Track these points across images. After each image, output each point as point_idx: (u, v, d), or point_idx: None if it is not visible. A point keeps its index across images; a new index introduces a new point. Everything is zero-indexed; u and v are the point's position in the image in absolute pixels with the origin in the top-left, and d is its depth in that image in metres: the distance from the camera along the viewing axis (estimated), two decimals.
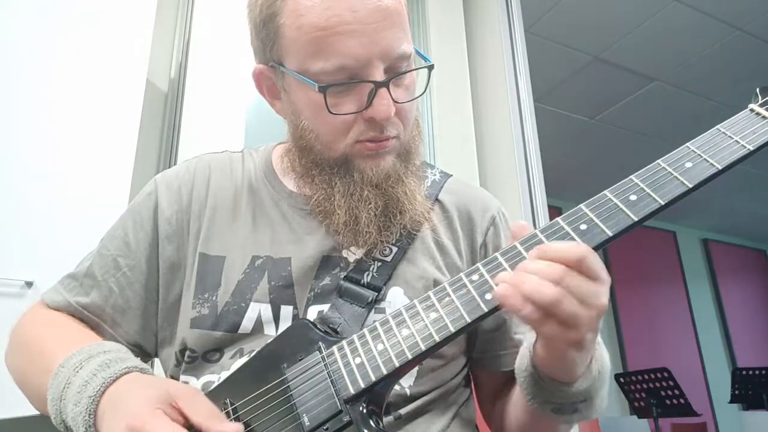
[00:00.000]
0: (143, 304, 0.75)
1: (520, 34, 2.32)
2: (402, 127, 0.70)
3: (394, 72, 0.67)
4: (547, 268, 0.50)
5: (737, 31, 3.23)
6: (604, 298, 0.51)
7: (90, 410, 0.56)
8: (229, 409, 0.58)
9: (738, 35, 3.26)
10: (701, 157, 0.56)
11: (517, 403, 0.72)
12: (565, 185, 4.77)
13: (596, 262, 0.51)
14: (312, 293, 0.70)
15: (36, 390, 0.65)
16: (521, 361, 0.63)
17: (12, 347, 0.74)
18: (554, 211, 2.02)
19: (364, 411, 0.55)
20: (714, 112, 4.00)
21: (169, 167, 1.84)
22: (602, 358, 0.62)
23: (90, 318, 0.74)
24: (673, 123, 4.16)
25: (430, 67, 0.71)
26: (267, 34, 0.69)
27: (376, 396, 0.57)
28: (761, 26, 3.20)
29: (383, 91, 0.65)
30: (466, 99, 2.27)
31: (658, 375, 3.71)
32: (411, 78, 0.71)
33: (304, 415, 0.55)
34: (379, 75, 0.65)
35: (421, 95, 0.73)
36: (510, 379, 0.76)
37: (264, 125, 1.74)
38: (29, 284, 1.25)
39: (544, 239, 0.55)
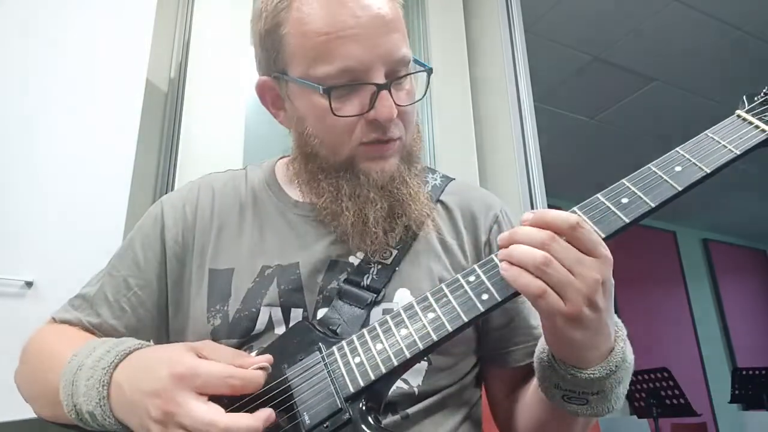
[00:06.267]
0: (155, 323, 0.76)
1: (520, 34, 2.32)
2: (404, 130, 0.72)
3: (395, 75, 0.69)
4: (535, 233, 0.53)
5: (737, 31, 3.23)
6: (595, 272, 0.51)
7: (104, 381, 0.56)
8: (231, 408, 0.59)
9: (738, 35, 3.26)
10: (690, 161, 0.59)
11: (528, 401, 0.73)
12: (565, 185, 4.76)
13: (589, 235, 0.52)
14: (321, 296, 0.72)
15: (45, 388, 0.65)
16: (539, 347, 0.64)
17: (22, 362, 0.74)
18: None
19: (364, 409, 0.57)
20: (714, 112, 3.97)
21: (169, 168, 1.84)
22: (624, 353, 0.60)
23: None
24: (673, 123, 4.16)
25: (429, 71, 0.73)
26: (272, 44, 0.71)
27: (375, 394, 0.59)
28: (761, 26, 3.20)
29: (385, 93, 0.67)
30: (466, 99, 2.27)
31: (658, 375, 3.72)
32: (411, 82, 0.73)
33: (305, 413, 0.57)
34: (380, 78, 0.67)
35: (420, 99, 0.74)
36: (521, 376, 0.76)
37: (263, 125, 1.74)
38: (29, 284, 1.25)
39: None
